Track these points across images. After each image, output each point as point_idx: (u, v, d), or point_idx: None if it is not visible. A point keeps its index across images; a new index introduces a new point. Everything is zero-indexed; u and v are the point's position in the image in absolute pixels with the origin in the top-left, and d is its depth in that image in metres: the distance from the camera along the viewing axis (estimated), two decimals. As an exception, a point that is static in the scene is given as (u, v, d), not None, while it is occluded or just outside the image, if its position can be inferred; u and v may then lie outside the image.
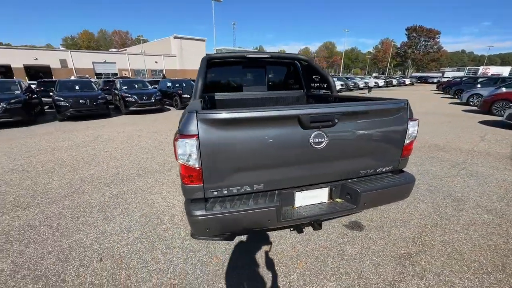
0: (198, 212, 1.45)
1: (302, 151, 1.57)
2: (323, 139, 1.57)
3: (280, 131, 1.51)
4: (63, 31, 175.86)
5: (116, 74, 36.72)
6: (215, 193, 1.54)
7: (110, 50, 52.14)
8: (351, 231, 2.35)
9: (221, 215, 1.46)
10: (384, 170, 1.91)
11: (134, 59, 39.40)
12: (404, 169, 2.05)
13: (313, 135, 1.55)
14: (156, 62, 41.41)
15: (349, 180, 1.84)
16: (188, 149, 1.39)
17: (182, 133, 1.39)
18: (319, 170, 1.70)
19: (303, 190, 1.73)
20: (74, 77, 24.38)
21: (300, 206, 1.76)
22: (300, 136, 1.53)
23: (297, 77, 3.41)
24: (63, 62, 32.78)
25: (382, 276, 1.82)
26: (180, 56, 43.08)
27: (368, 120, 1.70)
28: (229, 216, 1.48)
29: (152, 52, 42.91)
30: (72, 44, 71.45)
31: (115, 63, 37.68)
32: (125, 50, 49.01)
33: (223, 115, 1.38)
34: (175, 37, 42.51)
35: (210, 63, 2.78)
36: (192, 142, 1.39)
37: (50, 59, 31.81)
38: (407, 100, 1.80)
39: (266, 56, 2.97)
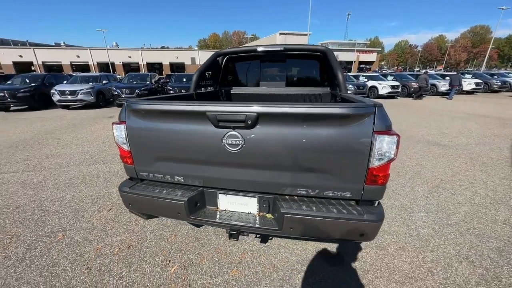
0: (123, 188, 1.68)
1: (217, 152, 1.46)
2: (238, 142, 1.40)
3: (194, 127, 1.47)
4: (200, 35, 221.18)
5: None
6: (144, 175, 1.71)
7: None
8: (322, 261, 1.92)
9: (138, 195, 1.63)
10: (338, 195, 1.45)
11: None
12: (379, 201, 1.47)
13: (226, 135, 1.41)
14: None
15: (287, 196, 1.53)
16: (119, 133, 1.63)
17: (118, 120, 1.64)
18: (243, 176, 1.52)
19: (227, 194, 1.61)
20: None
21: (225, 210, 1.65)
22: (213, 135, 1.43)
23: (322, 72, 2.94)
24: (193, 60, 41.54)
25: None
26: (283, 51, 44.77)
27: (305, 127, 1.34)
28: (145, 198, 1.62)
29: (259, 49, 46.97)
30: (203, 45, 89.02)
31: (228, 59, 44.01)
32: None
33: (139, 106, 1.51)
34: (280, 33, 44.34)
35: (218, 58, 2.90)
36: (121, 127, 1.61)
37: (185, 57, 41.19)
38: (377, 105, 1.27)
39: (278, 49, 2.76)
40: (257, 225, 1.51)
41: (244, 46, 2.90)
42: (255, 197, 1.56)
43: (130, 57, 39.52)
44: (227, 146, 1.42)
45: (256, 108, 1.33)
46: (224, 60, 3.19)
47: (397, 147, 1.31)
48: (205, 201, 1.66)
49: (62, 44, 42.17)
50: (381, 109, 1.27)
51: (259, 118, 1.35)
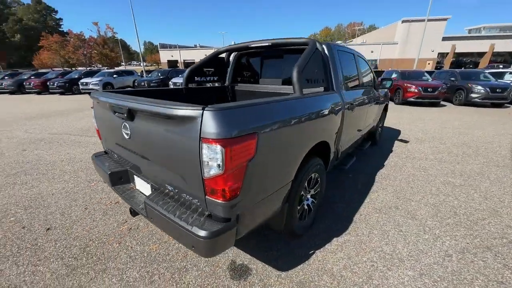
0: (92, 156, 2.26)
1: (121, 138, 1.72)
2: (127, 131, 1.61)
3: (111, 115, 1.78)
4: (311, 29, 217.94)
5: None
6: (105, 149, 2.23)
7: (336, 42, 57.36)
8: (218, 269, 1.81)
9: (94, 163, 2.16)
10: (191, 201, 1.37)
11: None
12: (236, 219, 1.27)
13: (122, 124, 1.64)
14: (372, 52, 39.50)
15: (168, 187, 1.59)
16: (93, 115, 2.20)
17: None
18: (139, 162, 1.71)
19: (138, 176, 1.85)
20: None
21: (138, 190, 1.90)
22: (117, 123, 1.70)
23: (317, 68, 2.46)
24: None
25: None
26: (404, 42, 37.30)
27: (154, 125, 1.37)
28: (96, 166, 2.14)
29: (373, 41, 41.44)
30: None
31: (332, 54, 41.51)
32: (351, 41, 51.57)
33: (92, 96, 1.98)
34: (403, 21, 36.97)
35: (222, 55, 3.03)
36: (93, 110, 2.17)
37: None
38: (206, 109, 1.11)
39: (265, 44, 2.60)
40: (140, 207, 1.68)
41: (249, 42, 2.88)
42: (149, 183, 1.73)
43: (172, 56, 45.01)
44: (124, 133, 1.65)
45: (126, 103, 1.48)
46: (235, 57, 3.31)
47: (228, 160, 1.11)
48: (129, 178, 1.98)
49: (198, 45, 53.62)
50: (211, 113, 1.11)
51: (135, 112, 1.49)
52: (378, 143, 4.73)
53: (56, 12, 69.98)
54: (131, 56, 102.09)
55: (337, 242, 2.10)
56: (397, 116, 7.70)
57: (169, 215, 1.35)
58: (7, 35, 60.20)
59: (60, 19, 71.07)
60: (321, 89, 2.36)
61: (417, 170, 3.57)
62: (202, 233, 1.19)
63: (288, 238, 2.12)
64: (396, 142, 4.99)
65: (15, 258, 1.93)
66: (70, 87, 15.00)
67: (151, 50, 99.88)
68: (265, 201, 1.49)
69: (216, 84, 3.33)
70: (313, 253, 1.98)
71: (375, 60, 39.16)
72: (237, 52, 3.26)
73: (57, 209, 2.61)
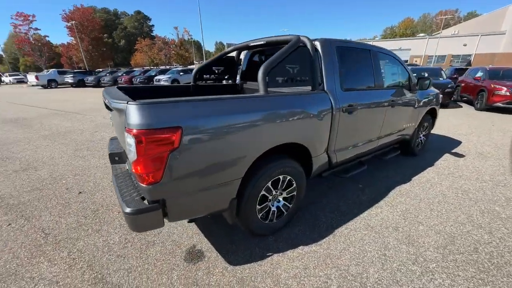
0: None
1: (115, 125, 2.09)
2: (111, 121, 1.96)
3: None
4: (388, 22, 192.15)
5: (406, 61, 35.43)
6: None
7: (418, 35, 49.45)
8: (179, 258, 1.98)
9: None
10: (136, 183, 1.58)
11: (434, 44, 34.27)
12: (159, 203, 1.41)
13: (110, 114, 2.00)
14: (465, 45, 32.35)
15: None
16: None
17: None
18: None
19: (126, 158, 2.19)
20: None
21: (127, 170, 2.25)
22: (111, 113, 2.07)
23: (304, 68, 2.27)
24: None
25: None
26: (518, 32, 29.13)
27: (118, 115, 1.63)
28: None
29: (469, 32, 33.97)
30: (389, 34, 77.84)
31: (409, 49, 35.99)
32: (440, 32, 43.61)
33: None
34: (517, 4, 28.83)
35: (231, 54, 3.15)
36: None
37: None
38: (130, 102, 1.28)
39: (259, 43, 2.60)
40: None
41: (248, 41, 2.92)
42: (126, 166, 2.04)
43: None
44: (111, 122, 2.01)
45: (104, 98, 1.80)
46: (246, 56, 3.40)
47: (140, 149, 1.26)
48: (124, 160, 2.36)
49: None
50: (132, 107, 1.28)
51: (109, 105, 1.80)
52: (417, 154, 4.01)
53: (150, 19, 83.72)
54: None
55: (301, 251, 1.98)
56: (470, 125, 6.24)
57: (117, 191, 1.60)
58: (116, 40, 75.64)
59: (152, 25, 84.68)
60: (308, 88, 2.23)
61: (453, 191, 2.90)
62: (127, 209, 1.39)
63: (250, 235, 2.13)
64: (446, 155, 4.12)
65: (51, 210, 2.60)
66: (148, 83, 17.90)
67: (221, 50, 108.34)
68: (202, 193, 1.57)
69: (229, 82, 3.50)
70: (270, 255, 1.94)
71: (469, 56, 32.03)
72: (248, 51, 3.34)
73: (93, 179, 3.31)
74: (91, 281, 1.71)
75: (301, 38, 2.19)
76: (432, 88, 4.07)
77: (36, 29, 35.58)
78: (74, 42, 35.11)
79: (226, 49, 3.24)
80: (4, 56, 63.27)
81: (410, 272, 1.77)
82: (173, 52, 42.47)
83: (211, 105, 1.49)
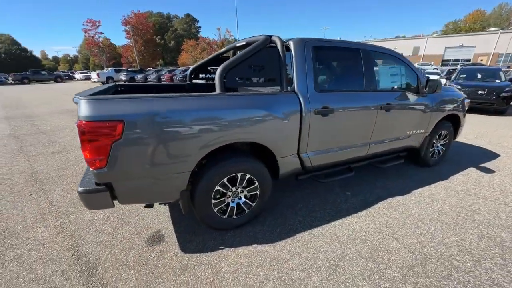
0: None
1: None
2: None
3: None
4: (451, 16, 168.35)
5: (469, 60, 30.77)
6: None
7: (488, 30, 42.40)
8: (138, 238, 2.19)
9: None
10: None
11: (506, 39, 28.98)
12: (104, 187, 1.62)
13: None
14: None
15: None
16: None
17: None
18: None
19: None
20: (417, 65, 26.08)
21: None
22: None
23: (273, 68, 2.21)
24: (415, 50, 34.66)
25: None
26: None
27: None
28: None
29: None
30: (451, 29, 68.30)
31: (474, 46, 31.16)
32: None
33: None
34: None
35: (227, 54, 3.26)
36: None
37: (405, 47, 35.40)
38: (82, 97, 1.50)
39: (242, 44, 2.65)
40: None
41: (236, 42, 2.98)
42: None
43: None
44: None
45: None
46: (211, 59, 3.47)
47: (83, 138, 1.47)
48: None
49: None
50: (82, 101, 1.49)
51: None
52: (431, 164, 3.57)
53: (198, 21, 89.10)
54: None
55: (253, 249, 2.01)
56: (522, 136, 5.24)
57: (84, 175, 1.87)
58: (167, 41, 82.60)
59: (199, 27, 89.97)
60: (277, 89, 2.22)
61: (455, 211, 2.54)
62: (79, 189, 1.63)
63: (208, 228, 2.23)
64: (470, 169, 3.57)
65: (64, 187, 3.09)
66: (185, 80, 19.24)
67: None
68: (149, 182, 1.74)
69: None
70: (221, 249, 2.02)
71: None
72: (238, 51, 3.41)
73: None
74: (67, 247, 2.03)
75: (272, 38, 2.19)
76: (456, 91, 3.57)
77: (101, 32, 41.53)
78: (130, 44, 39.79)
79: (221, 50, 3.36)
80: (79, 56, 74.69)
81: (355, 287, 1.66)
82: (214, 52, 44.49)
83: (155, 102, 1.63)
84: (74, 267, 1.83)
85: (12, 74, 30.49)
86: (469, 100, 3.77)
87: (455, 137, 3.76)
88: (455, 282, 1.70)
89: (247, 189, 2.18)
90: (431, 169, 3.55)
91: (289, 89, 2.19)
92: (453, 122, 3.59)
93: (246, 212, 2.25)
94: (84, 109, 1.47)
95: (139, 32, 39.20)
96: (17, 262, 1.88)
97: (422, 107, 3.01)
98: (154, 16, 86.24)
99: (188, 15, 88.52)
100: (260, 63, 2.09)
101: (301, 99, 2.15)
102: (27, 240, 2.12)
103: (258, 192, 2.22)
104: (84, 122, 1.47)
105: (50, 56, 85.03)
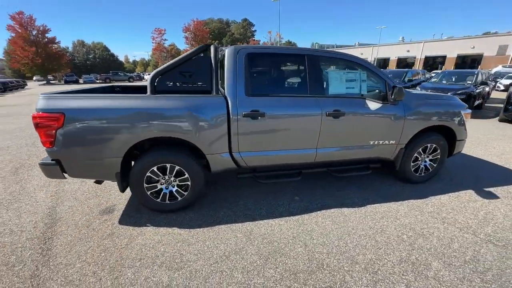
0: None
1: None
2: None
3: None
4: None
5: None
6: None
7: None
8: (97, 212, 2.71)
9: None
10: None
11: None
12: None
13: None
14: None
15: None
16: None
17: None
18: None
19: None
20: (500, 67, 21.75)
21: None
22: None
23: (205, 74, 2.39)
24: (501, 49, 28.48)
25: (65, 209, 2.74)
26: None
27: None
28: None
29: None
30: None
31: None
32: None
33: None
34: None
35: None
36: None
37: (486, 46, 29.43)
38: (42, 95, 2.07)
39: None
40: None
41: None
42: None
43: (408, 51, 37.29)
44: None
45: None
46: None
47: (35, 124, 2.03)
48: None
49: (356, 44, 50.57)
50: (40, 97, 2.06)
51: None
52: (412, 180, 3.19)
53: (253, 25, 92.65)
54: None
55: (171, 230, 2.31)
56: None
57: None
58: (224, 45, 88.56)
59: (255, 30, 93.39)
60: (209, 92, 2.47)
61: (399, 231, 2.30)
62: (40, 161, 2.22)
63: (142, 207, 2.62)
64: (465, 191, 3.05)
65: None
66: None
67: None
68: (89, 162, 2.23)
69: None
70: (148, 226, 2.38)
71: None
72: None
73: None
74: (49, 206, 2.72)
75: (211, 46, 2.44)
76: (450, 100, 3.11)
77: (165, 39, 47.84)
78: (189, 48, 44.53)
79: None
80: (151, 60, 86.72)
81: (230, 277, 1.80)
82: (264, 54, 45.80)
83: (91, 100, 2.10)
84: (43, 220, 2.47)
85: (99, 75, 37.90)
86: (470, 111, 3.20)
87: (451, 153, 3.25)
88: (329, 295, 1.66)
89: (178, 179, 2.49)
90: (414, 186, 3.17)
91: (220, 93, 2.41)
92: (448, 135, 3.13)
93: (179, 199, 2.55)
94: (39, 103, 2.04)
95: (196, 38, 43.53)
96: (15, 209, 2.64)
97: (388, 116, 2.77)
98: (214, 22, 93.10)
99: (245, 20, 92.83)
100: (192, 70, 2.38)
101: (229, 103, 2.35)
102: (28, 199, 2.90)
103: (189, 183, 2.50)
104: (35, 113, 2.04)
105: (131, 60, 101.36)
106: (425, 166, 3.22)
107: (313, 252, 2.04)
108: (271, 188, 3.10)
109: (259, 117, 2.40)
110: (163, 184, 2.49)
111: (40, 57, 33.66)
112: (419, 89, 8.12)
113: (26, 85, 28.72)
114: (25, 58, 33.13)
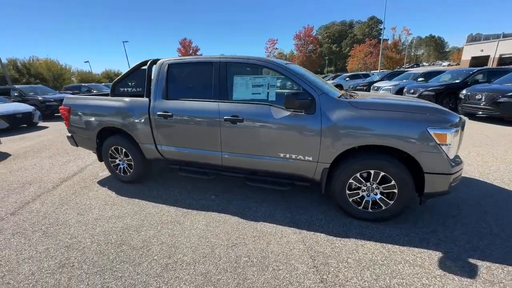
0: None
1: None
2: None
3: None
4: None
5: None
6: None
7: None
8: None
9: None
10: None
11: None
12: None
13: None
14: None
15: None
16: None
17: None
18: None
19: None
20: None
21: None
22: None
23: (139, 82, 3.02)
24: None
25: (93, 168, 4.36)
26: None
27: None
28: None
29: None
30: None
31: None
32: None
33: None
34: None
35: None
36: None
37: None
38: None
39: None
40: None
41: None
42: None
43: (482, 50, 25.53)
44: None
45: None
46: None
47: (61, 111, 3.54)
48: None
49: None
50: (64, 97, 3.56)
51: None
52: (352, 214, 2.42)
53: (381, 23, 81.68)
54: (443, 54, 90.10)
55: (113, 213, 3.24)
56: None
57: None
58: (343, 48, 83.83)
59: (381, 28, 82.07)
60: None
61: (226, 254, 2.04)
62: (66, 135, 3.78)
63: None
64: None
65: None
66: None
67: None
68: (85, 139, 3.53)
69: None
70: (97, 189, 3.44)
71: None
72: None
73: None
74: (79, 167, 4.42)
75: (151, 61, 3.13)
76: (425, 111, 2.15)
77: (276, 48, 52.54)
78: (295, 55, 46.47)
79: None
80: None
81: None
82: (383, 55, 39.69)
83: (82, 99, 3.36)
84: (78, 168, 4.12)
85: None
86: (453, 130, 1.96)
87: (424, 189, 2.17)
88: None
89: (127, 158, 3.37)
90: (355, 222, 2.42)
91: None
92: (414, 167, 2.16)
93: (128, 175, 3.45)
94: (64, 101, 3.54)
95: (304, 45, 44.74)
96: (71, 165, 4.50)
97: (296, 127, 2.35)
98: (336, 25, 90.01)
99: (372, 18, 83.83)
100: (135, 79, 3.17)
101: (150, 104, 2.96)
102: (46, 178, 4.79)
103: (132, 163, 3.34)
104: (61, 106, 3.54)
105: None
106: (375, 200, 2.36)
107: (89, 231, 2.42)
108: (195, 183, 3.44)
109: (168, 117, 2.84)
110: (121, 161, 3.47)
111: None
112: None
113: None
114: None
